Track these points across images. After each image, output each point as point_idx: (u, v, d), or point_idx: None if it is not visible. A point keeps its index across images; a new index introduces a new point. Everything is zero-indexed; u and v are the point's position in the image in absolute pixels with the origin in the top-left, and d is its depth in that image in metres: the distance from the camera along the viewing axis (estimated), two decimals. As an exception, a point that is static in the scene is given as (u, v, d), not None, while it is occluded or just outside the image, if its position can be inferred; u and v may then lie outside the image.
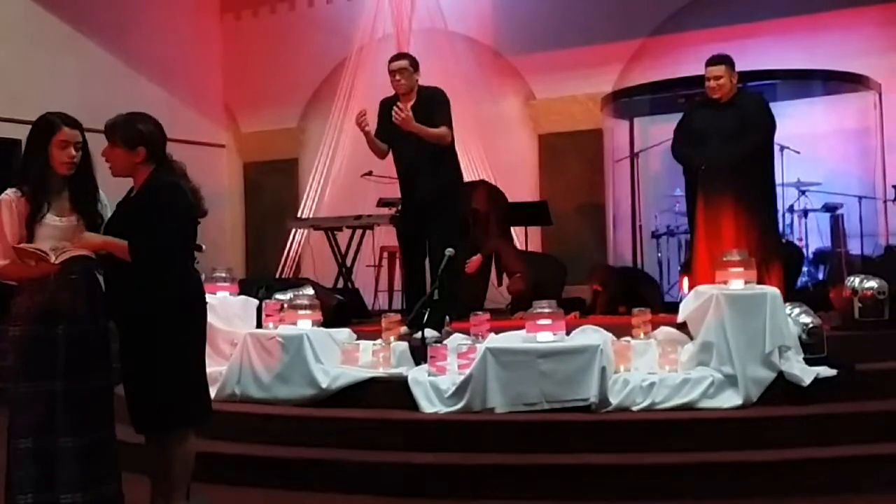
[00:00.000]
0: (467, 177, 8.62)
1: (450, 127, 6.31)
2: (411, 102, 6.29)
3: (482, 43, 11.08)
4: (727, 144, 6.05)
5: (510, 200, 8.96)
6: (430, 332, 5.73)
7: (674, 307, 5.96)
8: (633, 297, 7.02)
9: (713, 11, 9.81)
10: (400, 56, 6.56)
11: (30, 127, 3.79)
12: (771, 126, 6.22)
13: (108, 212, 3.87)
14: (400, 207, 6.78)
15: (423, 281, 6.46)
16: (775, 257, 6.11)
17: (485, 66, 11.00)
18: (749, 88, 6.94)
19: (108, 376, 3.81)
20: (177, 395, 3.74)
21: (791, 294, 6.09)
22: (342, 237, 9.58)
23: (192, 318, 3.84)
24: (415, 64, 6.36)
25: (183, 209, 3.76)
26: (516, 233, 10.08)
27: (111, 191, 3.93)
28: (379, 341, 5.70)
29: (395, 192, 9.46)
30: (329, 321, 6.22)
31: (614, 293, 7.90)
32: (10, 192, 3.69)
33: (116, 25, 11.26)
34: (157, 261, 3.68)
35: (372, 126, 6.40)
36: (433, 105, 6.29)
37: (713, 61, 6.20)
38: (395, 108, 6.15)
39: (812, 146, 8.78)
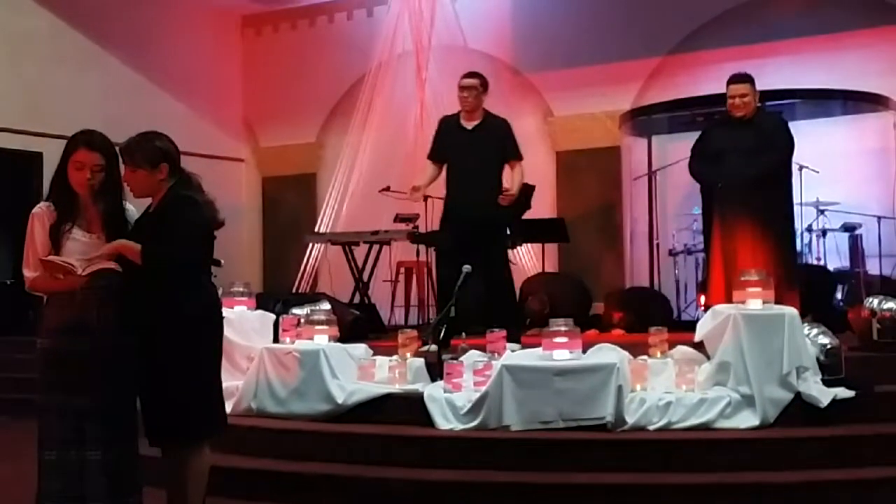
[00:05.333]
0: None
1: (520, 158, 6.64)
2: (476, 122, 6.59)
3: (501, 60, 11.10)
4: (745, 163, 6.00)
5: (528, 218, 8.90)
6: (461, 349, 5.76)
7: (691, 326, 5.93)
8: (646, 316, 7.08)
9: (732, 30, 9.83)
10: (471, 74, 6.75)
11: (51, 140, 3.81)
12: (790, 145, 6.15)
13: None
14: (442, 221, 6.78)
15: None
16: (793, 277, 6.08)
17: (503, 83, 10.95)
18: (768, 108, 6.93)
19: (133, 389, 3.81)
20: (189, 408, 3.73)
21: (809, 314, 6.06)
22: (359, 252, 9.60)
23: (206, 331, 3.82)
24: (485, 84, 6.63)
25: (200, 223, 3.76)
26: (533, 250, 10.09)
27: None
28: (395, 357, 5.69)
29: (411, 207, 9.54)
30: (345, 336, 6.23)
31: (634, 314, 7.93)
32: (42, 206, 3.71)
33: (138, 41, 11.38)
34: (170, 268, 3.66)
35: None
36: (505, 135, 6.59)
37: (737, 79, 6.14)
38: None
39: (831, 166, 8.75)
